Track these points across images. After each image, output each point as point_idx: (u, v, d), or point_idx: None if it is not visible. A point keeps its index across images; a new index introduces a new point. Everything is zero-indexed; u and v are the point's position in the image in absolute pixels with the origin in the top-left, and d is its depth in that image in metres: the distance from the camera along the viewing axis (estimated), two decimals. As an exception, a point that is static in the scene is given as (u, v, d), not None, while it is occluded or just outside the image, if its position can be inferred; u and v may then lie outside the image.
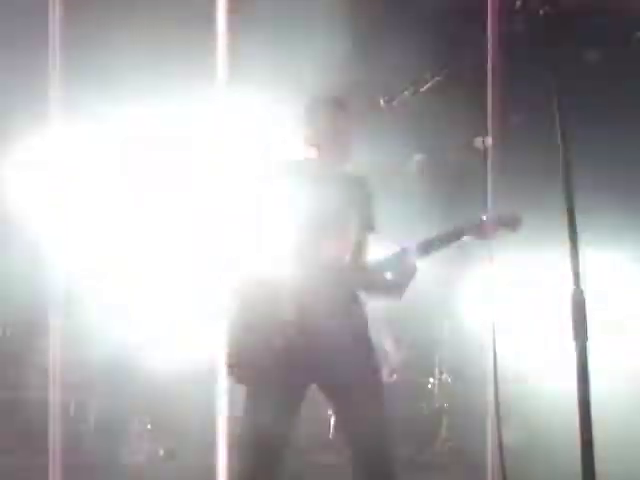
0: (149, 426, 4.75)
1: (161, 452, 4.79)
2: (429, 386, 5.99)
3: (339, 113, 2.59)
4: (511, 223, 2.65)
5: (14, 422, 4.96)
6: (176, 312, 5.32)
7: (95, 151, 5.52)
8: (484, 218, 2.58)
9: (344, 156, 2.65)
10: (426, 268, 2.63)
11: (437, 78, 2.49)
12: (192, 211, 5.27)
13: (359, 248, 2.67)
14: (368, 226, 2.70)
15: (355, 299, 2.56)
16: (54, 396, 4.04)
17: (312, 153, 2.63)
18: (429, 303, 5.51)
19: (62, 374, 4.22)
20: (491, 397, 2.47)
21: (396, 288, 2.60)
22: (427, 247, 2.56)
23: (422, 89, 2.69)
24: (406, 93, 2.53)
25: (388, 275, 2.57)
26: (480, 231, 2.55)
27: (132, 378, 5.02)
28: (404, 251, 2.54)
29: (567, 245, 1.53)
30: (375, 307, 2.81)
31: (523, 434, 6.12)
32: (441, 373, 6.03)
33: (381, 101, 3.02)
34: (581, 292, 1.48)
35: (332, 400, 2.53)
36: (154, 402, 5.01)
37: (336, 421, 2.62)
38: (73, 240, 5.07)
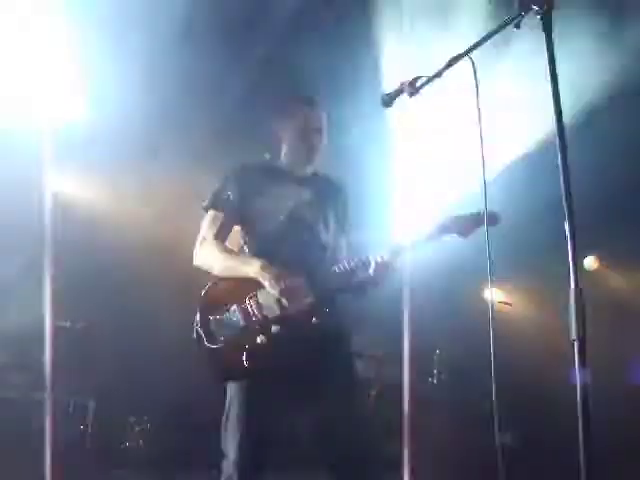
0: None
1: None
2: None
3: (309, 112, 2.57)
4: (490, 220, 2.53)
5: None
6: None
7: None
8: (462, 215, 2.46)
9: (315, 155, 2.61)
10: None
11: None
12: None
13: (334, 250, 2.66)
14: (343, 228, 2.71)
15: (331, 300, 2.52)
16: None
17: (285, 153, 2.63)
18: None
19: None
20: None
21: (371, 285, 2.53)
22: (400, 251, 2.47)
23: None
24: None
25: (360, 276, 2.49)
26: (460, 229, 2.44)
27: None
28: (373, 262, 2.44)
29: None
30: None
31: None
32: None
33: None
34: (580, 291, 1.48)
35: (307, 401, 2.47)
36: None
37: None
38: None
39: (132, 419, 4.78)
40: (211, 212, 2.58)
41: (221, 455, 2.43)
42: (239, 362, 2.33)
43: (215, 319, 2.41)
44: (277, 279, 2.33)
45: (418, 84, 2.39)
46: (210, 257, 2.50)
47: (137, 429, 4.83)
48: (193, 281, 2.66)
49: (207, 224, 2.57)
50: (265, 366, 2.34)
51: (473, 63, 2.04)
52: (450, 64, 2.04)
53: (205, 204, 2.61)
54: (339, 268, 2.48)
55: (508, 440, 5.84)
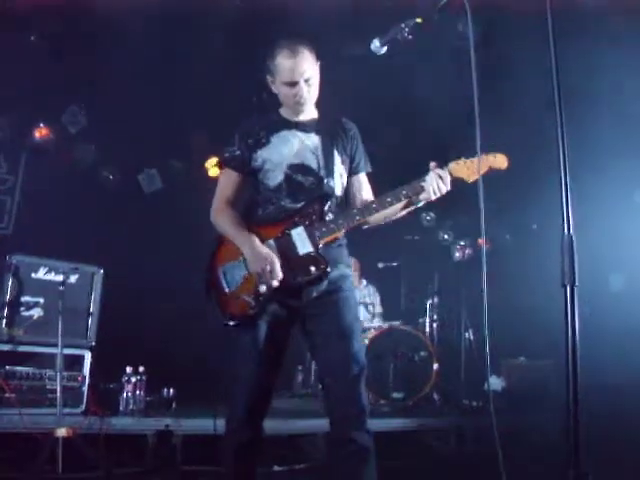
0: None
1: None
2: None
3: (294, 64, 2.48)
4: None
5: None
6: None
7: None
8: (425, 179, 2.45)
9: (305, 106, 2.59)
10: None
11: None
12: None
13: (351, 189, 2.69)
14: (358, 166, 2.70)
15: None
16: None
17: (282, 103, 2.63)
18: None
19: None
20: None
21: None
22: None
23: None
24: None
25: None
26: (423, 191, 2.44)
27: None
28: None
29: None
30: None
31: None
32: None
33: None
34: (571, 238, 1.50)
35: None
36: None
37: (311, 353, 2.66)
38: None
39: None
40: (225, 170, 2.67)
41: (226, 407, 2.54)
42: (244, 308, 2.45)
43: (223, 267, 2.53)
44: (255, 261, 2.42)
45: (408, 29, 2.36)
46: (219, 221, 2.60)
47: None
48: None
49: (221, 183, 2.67)
50: (266, 312, 2.45)
51: (466, 7, 2.00)
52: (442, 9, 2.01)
53: (220, 162, 2.72)
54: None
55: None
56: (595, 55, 5.06)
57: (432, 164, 2.43)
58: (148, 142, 6.48)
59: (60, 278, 4.16)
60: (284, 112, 2.67)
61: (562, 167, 1.60)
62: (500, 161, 2.41)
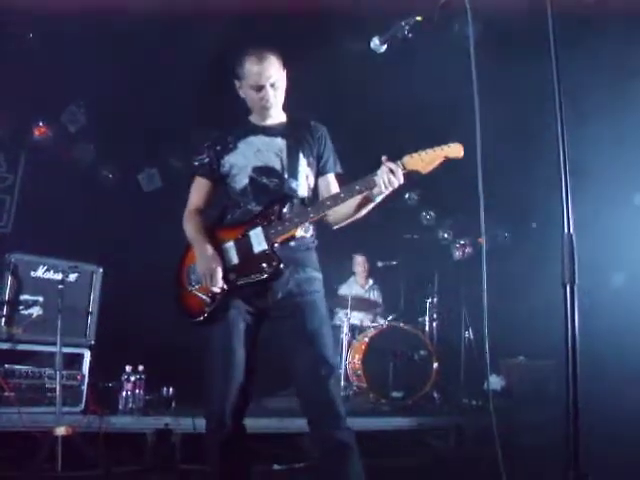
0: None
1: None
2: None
3: (260, 69, 2.56)
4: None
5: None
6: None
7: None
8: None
9: (272, 110, 2.67)
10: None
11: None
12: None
13: (319, 189, 2.75)
14: (326, 165, 2.74)
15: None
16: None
17: (250, 108, 2.72)
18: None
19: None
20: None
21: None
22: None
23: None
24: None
25: None
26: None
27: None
28: None
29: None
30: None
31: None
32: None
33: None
34: (571, 237, 1.50)
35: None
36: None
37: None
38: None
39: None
40: (195, 178, 2.79)
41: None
42: (200, 306, 2.58)
43: (189, 267, 2.69)
44: (200, 265, 2.57)
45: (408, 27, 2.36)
46: (185, 227, 2.74)
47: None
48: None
49: (192, 191, 2.80)
50: (227, 311, 2.55)
51: (467, 5, 2.00)
52: (443, 6, 2.01)
53: (192, 172, 2.83)
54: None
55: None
56: (596, 55, 5.07)
57: (383, 158, 2.41)
58: (148, 141, 6.48)
59: (59, 277, 4.16)
60: (253, 118, 2.76)
61: (562, 166, 1.60)
62: (456, 150, 2.37)
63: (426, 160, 2.38)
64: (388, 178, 2.37)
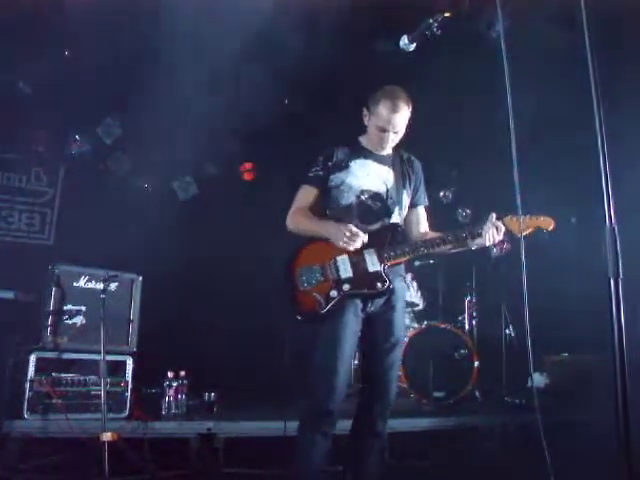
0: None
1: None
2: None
3: (393, 117, 2.81)
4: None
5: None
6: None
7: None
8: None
9: (387, 145, 2.96)
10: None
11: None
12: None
13: (410, 219, 3.10)
14: (419, 200, 3.11)
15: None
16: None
17: (367, 136, 3.01)
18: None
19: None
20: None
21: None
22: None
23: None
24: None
25: None
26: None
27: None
28: None
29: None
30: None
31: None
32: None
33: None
34: (614, 230, 1.46)
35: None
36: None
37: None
38: None
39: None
40: (304, 186, 3.05)
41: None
42: (314, 306, 2.82)
43: (300, 269, 2.89)
44: (337, 232, 2.79)
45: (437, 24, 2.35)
46: (299, 222, 2.99)
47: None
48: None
49: (299, 196, 3.06)
50: (335, 313, 2.80)
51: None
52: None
53: (300, 179, 3.09)
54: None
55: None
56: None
57: (492, 215, 2.78)
58: (181, 149, 6.56)
59: (100, 286, 4.24)
60: (364, 141, 3.06)
61: (602, 158, 1.56)
62: (547, 222, 2.76)
63: (523, 226, 2.72)
64: (493, 234, 2.76)
